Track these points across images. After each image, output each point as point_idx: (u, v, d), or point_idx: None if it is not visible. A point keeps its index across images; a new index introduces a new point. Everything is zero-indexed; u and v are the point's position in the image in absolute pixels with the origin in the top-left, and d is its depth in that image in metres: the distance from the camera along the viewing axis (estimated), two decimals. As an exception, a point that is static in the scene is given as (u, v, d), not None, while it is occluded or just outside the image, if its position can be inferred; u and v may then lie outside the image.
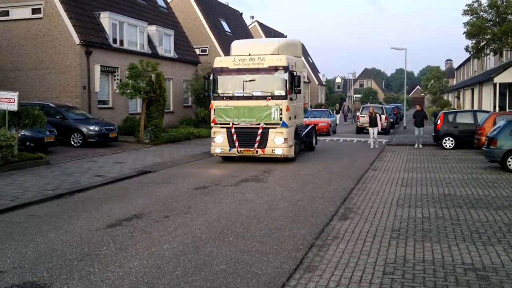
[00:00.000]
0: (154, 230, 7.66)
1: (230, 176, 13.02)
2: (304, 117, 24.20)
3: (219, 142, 15.31)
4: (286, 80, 14.72)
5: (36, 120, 14.21)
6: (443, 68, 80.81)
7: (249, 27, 53.79)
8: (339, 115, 42.75)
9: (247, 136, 15.02)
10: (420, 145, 21.18)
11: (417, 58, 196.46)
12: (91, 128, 18.87)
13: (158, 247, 6.76)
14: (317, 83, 76.21)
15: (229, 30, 42.46)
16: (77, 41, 21.97)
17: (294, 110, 15.82)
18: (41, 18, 22.47)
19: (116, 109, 24.65)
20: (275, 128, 14.77)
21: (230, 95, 15.23)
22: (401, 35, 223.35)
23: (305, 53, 78.58)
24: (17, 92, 14.09)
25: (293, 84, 14.99)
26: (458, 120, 20.52)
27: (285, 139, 14.78)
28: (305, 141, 18.10)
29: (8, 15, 23.06)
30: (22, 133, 15.23)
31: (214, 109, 15.35)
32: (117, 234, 7.41)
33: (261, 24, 59.53)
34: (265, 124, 14.81)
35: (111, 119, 22.66)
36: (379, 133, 21.90)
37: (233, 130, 15.09)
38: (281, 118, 14.68)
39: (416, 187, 11.23)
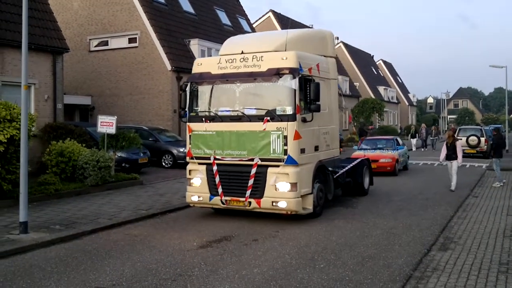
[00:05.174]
0: (244, 253, 7.63)
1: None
2: (358, 149, 19.52)
3: (197, 185, 10.36)
4: (294, 90, 9.47)
5: (132, 142, 15.07)
6: (549, 86, 74.13)
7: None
8: (415, 139, 35.06)
9: (234, 178, 9.98)
10: None
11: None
12: (181, 150, 19.59)
13: (248, 271, 6.70)
14: (407, 103, 73.91)
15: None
16: (169, 67, 23.23)
17: (313, 137, 10.35)
18: (137, 47, 24.13)
19: (203, 131, 25.50)
20: (277, 166, 9.60)
21: (212, 114, 10.33)
22: (498, 51, 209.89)
23: (394, 73, 76.60)
24: (116, 116, 15.06)
25: (309, 96, 9.75)
26: None
27: (293, 185, 9.48)
28: (347, 183, 12.64)
29: (107, 45, 25.08)
30: (119, 155, 16.21)
31: (190, 136, 10.57)
32: (208, 256, 7.47)
33: (346, 45, 58.89)
34: (262, 159, 9.66)
35: (199, 141, 23.44)
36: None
37: (214, 168, 10.07)
38: (285, 151, 9.43)
39: (525, 217, 10.19)
